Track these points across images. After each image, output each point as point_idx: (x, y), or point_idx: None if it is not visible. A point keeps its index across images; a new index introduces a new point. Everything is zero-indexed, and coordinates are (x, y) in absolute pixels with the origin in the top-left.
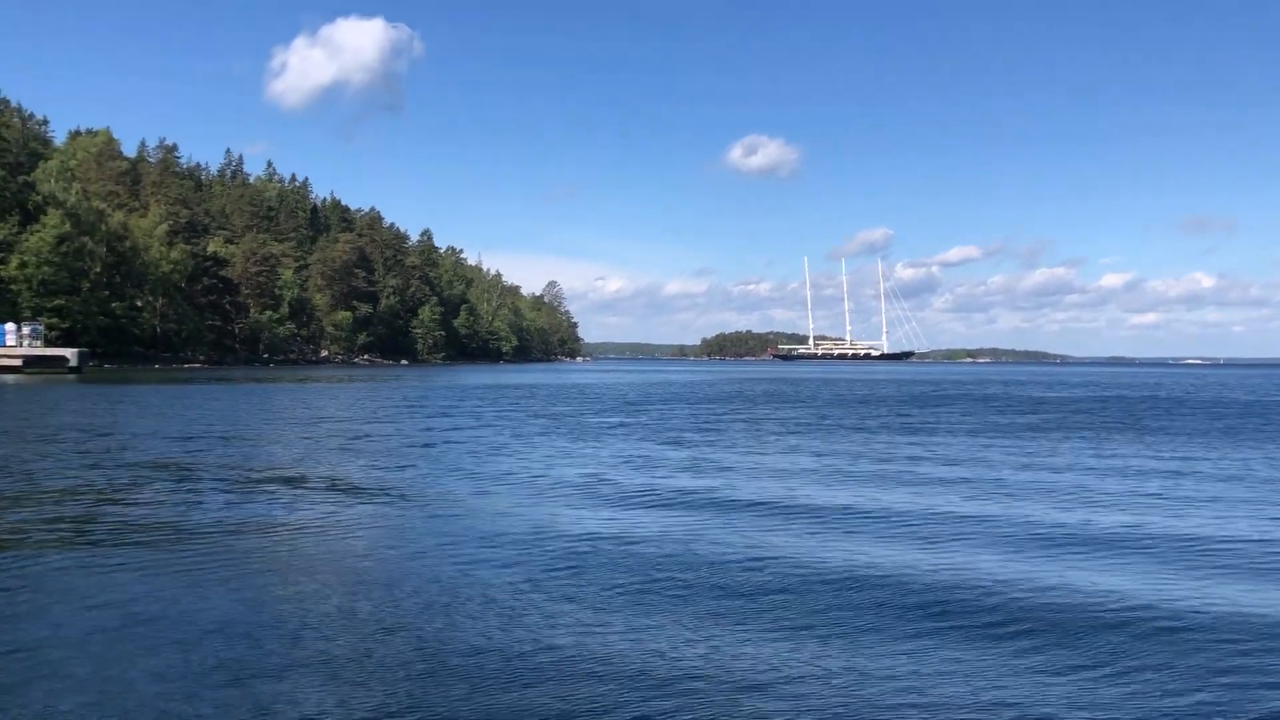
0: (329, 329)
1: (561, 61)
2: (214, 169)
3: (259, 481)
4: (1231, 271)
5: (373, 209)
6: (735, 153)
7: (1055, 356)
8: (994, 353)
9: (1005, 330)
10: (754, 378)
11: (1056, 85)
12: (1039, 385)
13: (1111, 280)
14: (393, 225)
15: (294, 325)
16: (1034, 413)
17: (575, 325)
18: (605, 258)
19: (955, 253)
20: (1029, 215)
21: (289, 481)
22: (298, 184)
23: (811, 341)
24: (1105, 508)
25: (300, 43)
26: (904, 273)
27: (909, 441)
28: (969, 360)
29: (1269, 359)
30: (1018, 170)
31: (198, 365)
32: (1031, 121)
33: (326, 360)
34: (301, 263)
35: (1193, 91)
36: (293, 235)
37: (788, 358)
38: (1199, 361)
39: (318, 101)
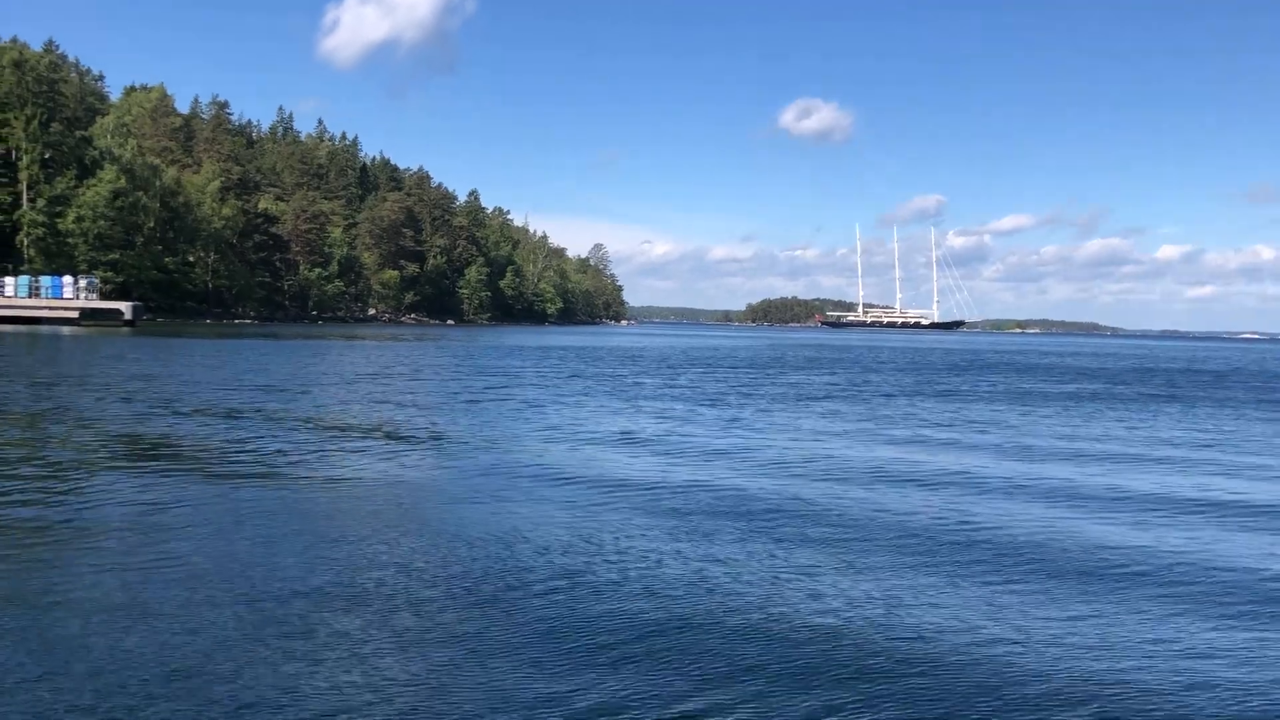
0: (376, 288)
1: (612, 22)
2: (265, 126)
3: (318, 429)
4: None
5: (421, 168)
6: (788, 116)
7: (1107, 328)
8: (1044, 324)
9: (1056, 301)
10: (802, 344)
11: (1117, 49)
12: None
13: (1169, 251)
14: (440, 185)
15: (342, 283)
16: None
17: (620, 288)
18: (652, 221)
19: (1008, 221)
20: (1086, 184)
21: (344, 430)
22: (347, 142)
23: (861, 309)
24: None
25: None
26: (955, 241)
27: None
28: (1018, 330)
29: None
30: (1075, 138)
31: (248, 321)
32: (1091, 87)
33: (374, 319)
34: (350, 221)
35: (1260, 56)
36: (342, 194)
37: (836, 325)
38: (1256, 335)
39: (369, 59)
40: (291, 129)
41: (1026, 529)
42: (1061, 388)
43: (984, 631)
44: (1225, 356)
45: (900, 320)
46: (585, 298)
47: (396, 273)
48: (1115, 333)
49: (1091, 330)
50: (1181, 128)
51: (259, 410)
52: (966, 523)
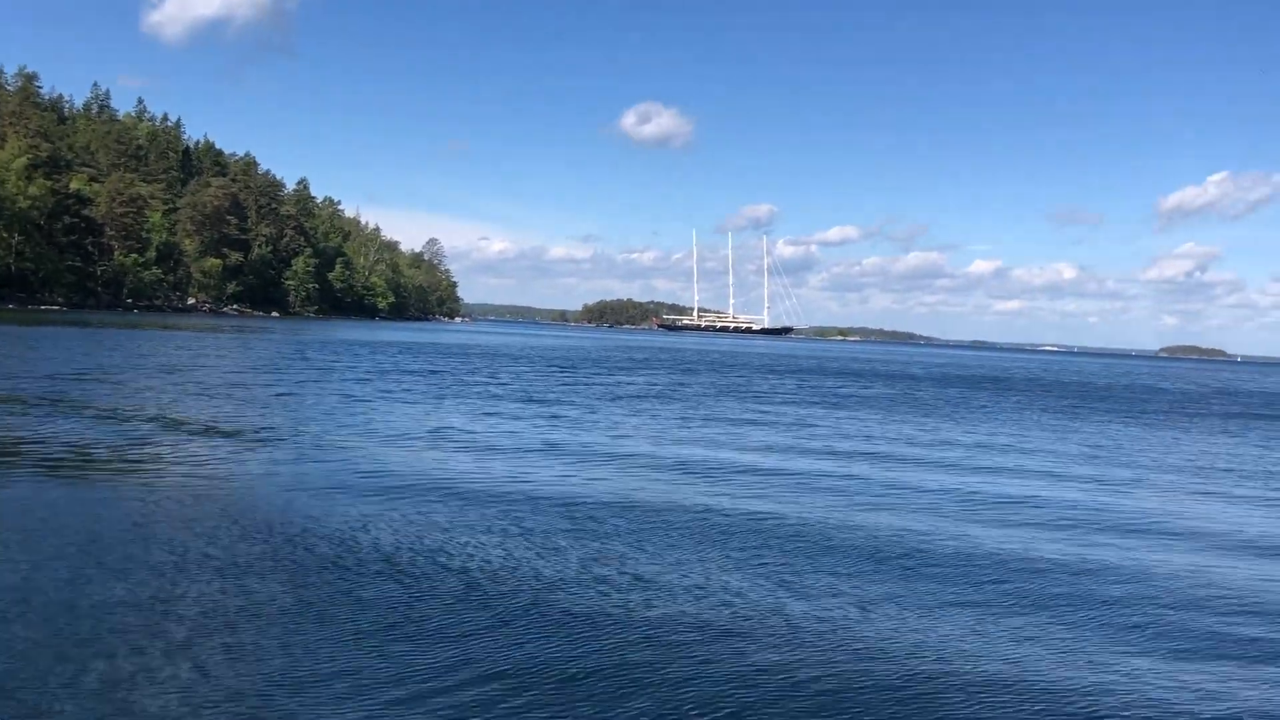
0: (197, 276)
1: (457, 15)
2: (79, 102)
3: (121, 423)
4: (1092, 264)
5: (248, 154)
6: (629, 119)
7: (922, 338)
8: (864, 332)
9: (876, 310)
10: (638, 345)
11: (941, 74)
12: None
13: (980, 266)
14: (268, 172)
15: (160, 270)
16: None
17: (455, 285)
18: (490, 218)
19: (835, 232)
20: (908, 200)
21: (151, 426)
22: (169, 124)
23: (696, 313)
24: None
25: None
26: (785, 249)
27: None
28: (840, 338)
29: (1117, 349)
30: (899, 156)
31: (55, 307)
32: (916, 107)
33: (194, 308)
34: (171, 206)
35: (1067, 88)
36: (162, 177)
37: (672, 328)
38: (1055, 348)
39: (199, 37)
40: (108, 107)
41: (779, 512)
42: (861, 392)
43: (723, 602)
44: (1021, 366)
45: (733, 325)
46: (418, 293)
47: (219, 261)
48: (929, 342)
49: (908, 339)
50: (994, 152)
51: (52, 401)
52: (743, 511)
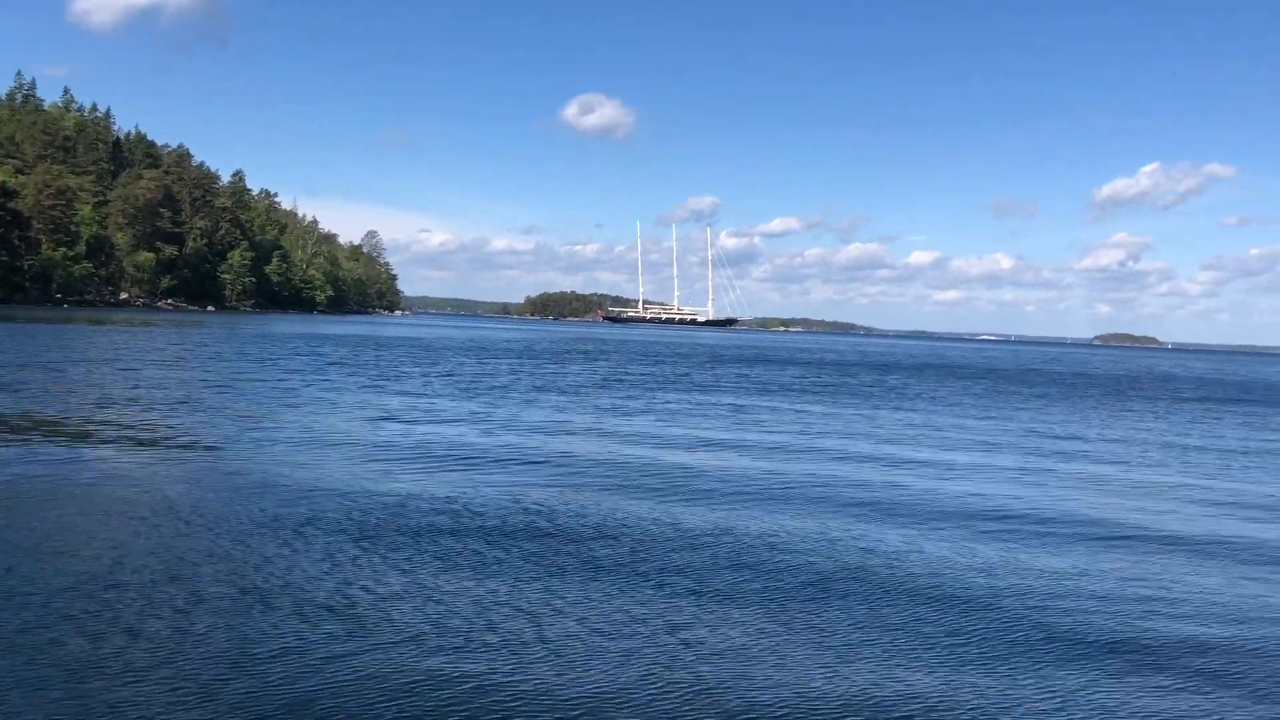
0: (130, 270)
1: (396, 4)
2: (2, 92)
3: (41, 428)
4: (1028, 254)
5: (181, 145)
6: (571, 110)
7: (862, 328)
8: (806, 323)
9: (818, 301)
10: (584, 338)
11: (881, 66)
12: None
13: (920, 257)
14: (203, 164)
15: (91, 265)
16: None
17: (395, 278)
18: (431, 209)
19: (778, 223)
20: (849, 191)
21: (70, 429)
22: (99, 115)
23: (641, 305)
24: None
25: None
26: (727, 241)
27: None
28: (782, 329)
29: (1053, 337)
30: (842, 147)
31: None
32: (857, 99)
33: (126, 303)
34: (101, 199)
35: (1010, 79)
36: (92, 169)
37: (617, 320)
38: (992, 337)
39: (129, 25)
40: (34, 96)
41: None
42: (779, 376)
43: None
44: (943, 354)
45: (678, 317)
46: (358, 286)
47: (152, 255)
48: (869, 332)
49: (849, 330)
50: (934, 143)
51: None
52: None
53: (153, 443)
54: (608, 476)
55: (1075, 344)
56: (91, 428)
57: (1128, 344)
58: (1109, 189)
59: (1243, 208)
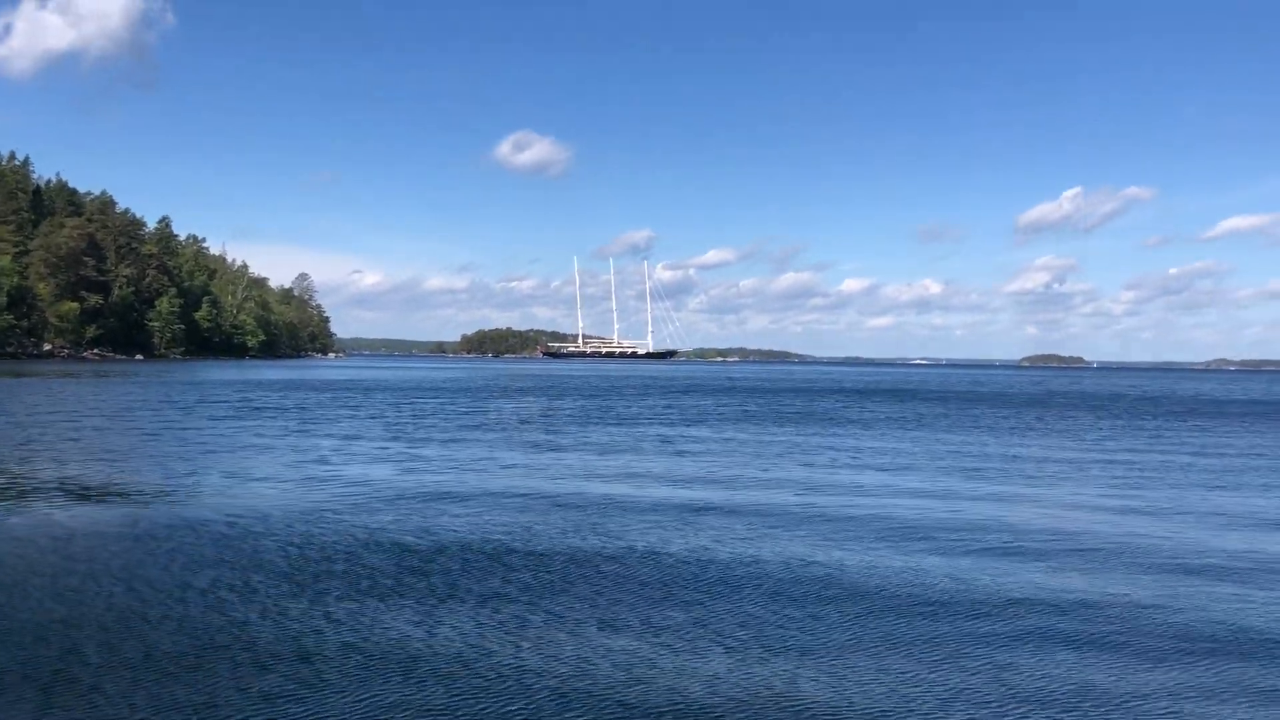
0: (53, 321)
1: (325, 44)
2: None
3: None
4: (957, 279)
5: (104, 192)
6: (504, 148)
7: (797, 356)
8: (742, 352)
9: (754, 331)
10: (524, 374)
11: (807, 96)
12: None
13: (852, 285)
14: (127, 211)
15: (12, 317)
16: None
17: (328, 320)
18: (363, 250)
19: (712, 255)
20: (781, 221)
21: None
22: (17, 163)
23: (580, 339)
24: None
25: (29, 4)
26: (664, 274)
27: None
28: (720, 360)
29: (982, 360)
30: (775, 179)
31: None
32: (789, 131)
33: (50, 354)
34: (21, 249)
35: (938, 108)
36: (11, 219)
37: (558, 355)
38: (924, 361)
39: (50, 71)
40: None
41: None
42: (724, 404)
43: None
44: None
45: (619, 350)
46: (289, 330)
47: (76, 305)
48: (803, 360)
49: (784, 359)
50: (863, 172)
51: None
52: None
53: (81, 496)
54: (534, 509)
55: (1004, 365)
56: (14, 483)
57: (1055, 364)
58: (1033, 213)
59: (1162, 228)
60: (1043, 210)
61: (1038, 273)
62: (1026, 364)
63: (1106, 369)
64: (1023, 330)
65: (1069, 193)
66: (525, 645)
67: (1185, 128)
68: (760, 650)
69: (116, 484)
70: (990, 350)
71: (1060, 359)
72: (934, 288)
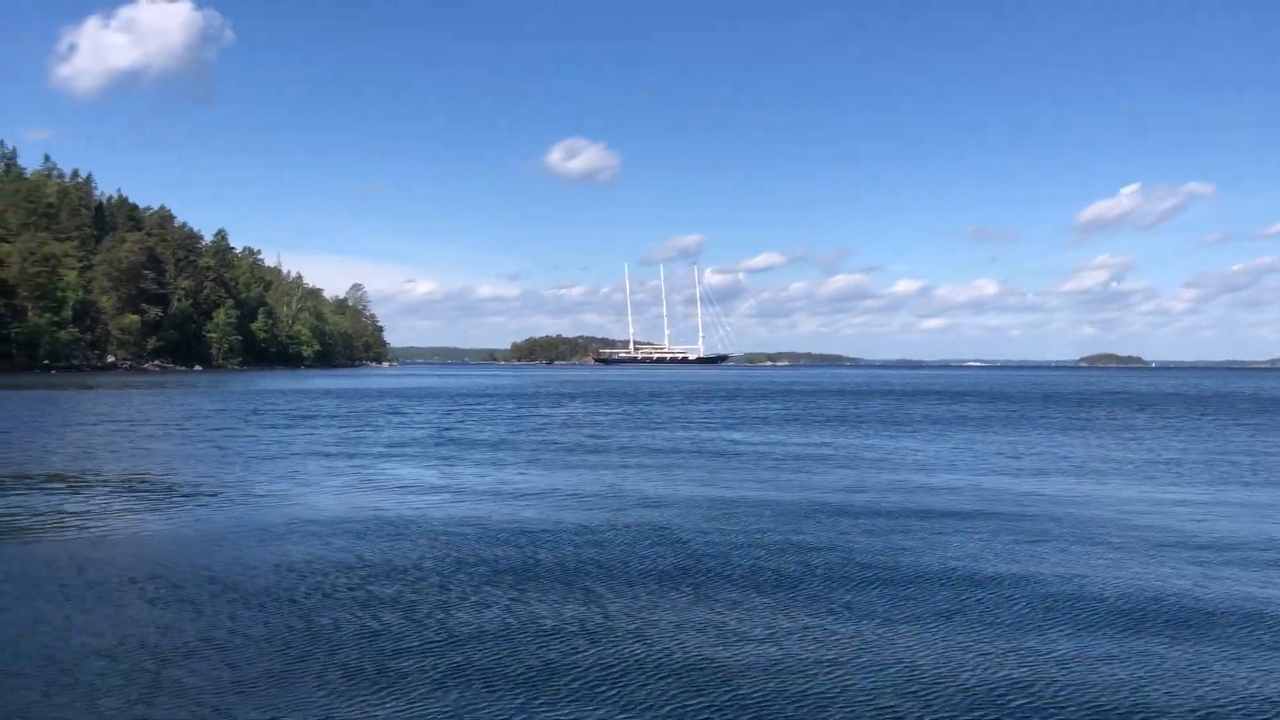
0: (116, 334)
1: (378, 57)
2: None
3: (62, 484)
4: (1012, 279)
5: (163, 207)
6: (555, 155)
7: (849, 359)
8: (793, 356)
9: (805, 334)
10: (585, 380)
11: (860, 99)
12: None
13: (904, 286)
14: (184, 224)
15: (77, 330)
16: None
17: (381, 329)
18: (415, 260)
19: (762, 259)
20: (832, 224)
21: (84, 485)
22: (80, 180)
23: (631, 345)
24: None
25: (93, 24)
26: (713, 278)
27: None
28: (769, 364)
29: (1039, 361)
30: (825, 181)
31: None
32: (839, 134)
33: (113, 366)
34: (85, 264)
35: (992, 107)
36: (75, 235)
37: (609, 361)
38: (978, 363)
39: (113, 89)
40: (15, 164)
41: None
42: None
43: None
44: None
45: (669, 356)
46: (344, 340)
47: (137, 317)
48: (855, 363)
49: (835, 362)
50: (915, 173)
51: None
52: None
53: (149, 498)
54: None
55: (1060, 366)
56: (85, 486)
57: (1113, 364)
58: (1091, 211)
59: (1223, 225)
60: (1100, 208)
61: (1095, 271)
62: (1084, 364)
63: (1164, 368)
64: (1079, 330)
65: (1127, 189)
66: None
67: (1246, 122)
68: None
69: (185, 491)
70: (1046, 351)
71: (1118, 359)
72: (988, 288)
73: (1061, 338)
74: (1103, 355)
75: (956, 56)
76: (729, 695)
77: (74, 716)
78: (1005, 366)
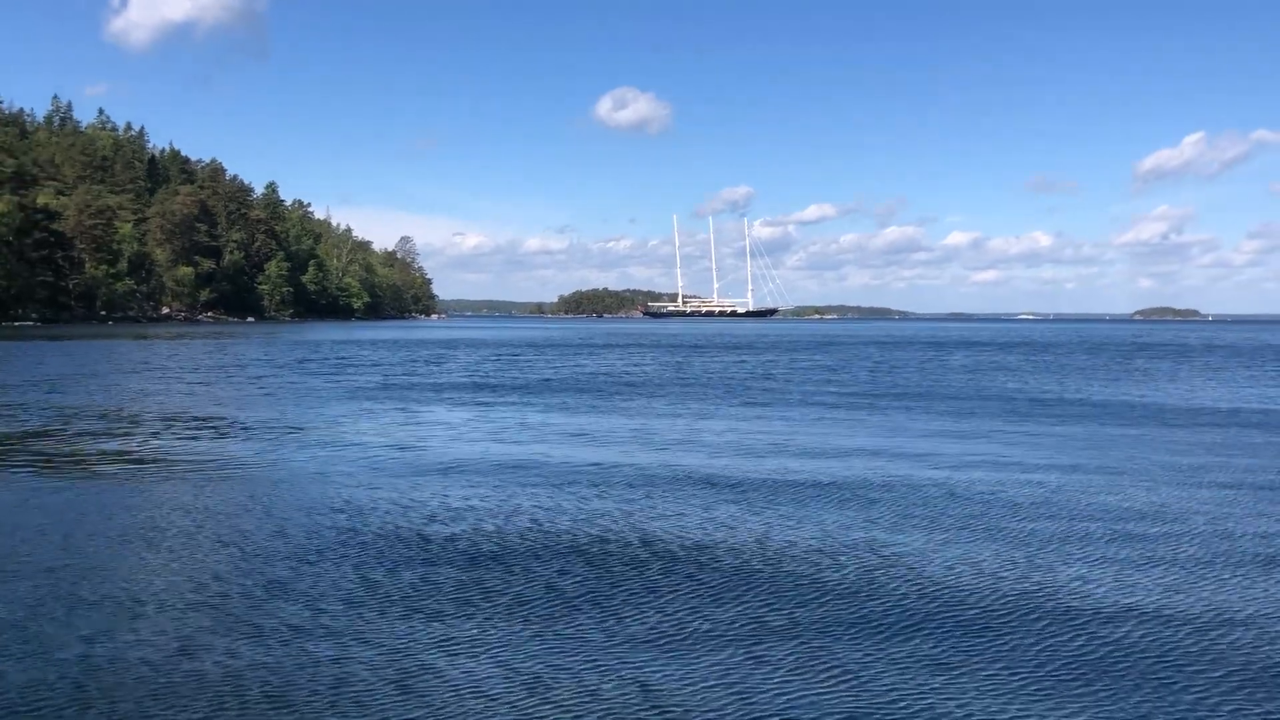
0: (170, 285)
1: (428, 9)
2: (40, 115)
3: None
4: (1068, 230)
5: (214, 160)
6: (604, 106)
7: (899, 313)
8: (841, 309)
9: (854, 288)
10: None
11: (914, 46)
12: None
13: (957, 238)
14: (236, 177)
15: (133, 281)
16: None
17: (430, 282)
18: (464, 213)
19: (812, 211)
20: (884, 175)
21: (129, 431)
22: (133, 133)
23: (680, 299)
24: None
25: None
26: (762, 231)
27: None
28: (817, 317)
29: (1092, 314)
30: (877, 130)
31: (29, 323)
32: (891, 82)
33: (168, 317)
34: (140, 216)
35: (1037, 59)
36: (130, 187)
37: (658, 315)
38: (1031, 316)
39: (166, 41)
40: (70, 119)
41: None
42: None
43: None
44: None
45: (718, 309)
46: (393, 292)
47: (191, 269)
48: (905, 316)
49: (885, 315)
50: (970, 122)
51: (60, 412)
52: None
53: (207, 461)
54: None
55: (1115, 319)
56: (146, 433)
57: (1169, 318)
58: (1151, 161)
59: None
60: (1161, 157)
61: (1154, 223)
62: (1138, 317)
63: (1220, 322)
64: (1135, 283)
65: (1191, 138)
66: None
67: None
68: None
69: (245, 442)
70: (1101, 304)
71: (1175, 312)
72: (1043, 240)
73: (1117, 291)
74: (1159, 309)
75: (1013, 3)
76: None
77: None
78: (1058, 320)
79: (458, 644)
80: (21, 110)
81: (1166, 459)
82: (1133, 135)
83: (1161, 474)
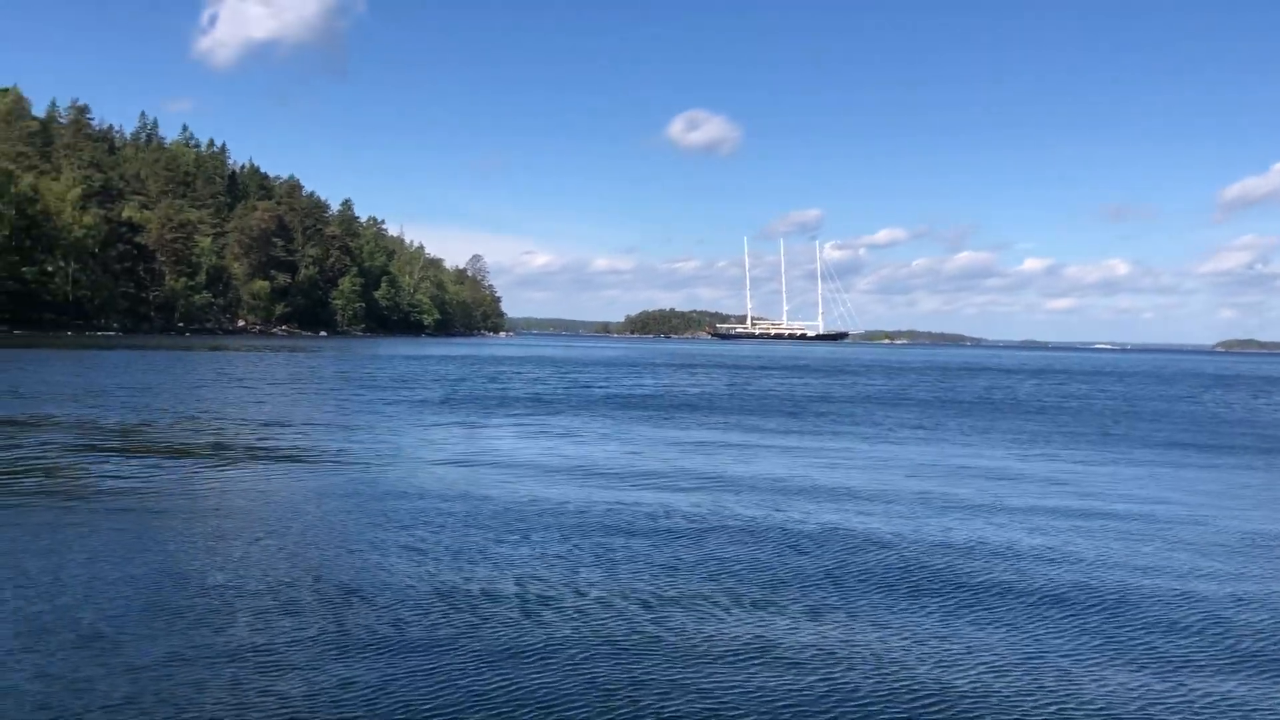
0: (246, 298)
1: (503, 30)
2: (128, 131)
3: (178, 450)
4: (1146, 259)
5: (291, 176)
6: (676, 127)
7: (970, 339)
8: (912, 334)
9: (925, 312)
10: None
11: (988, 71)
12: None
13: (1032, 265)
14: (312, 194)
15: (210, 294)
16: None
17: (499, 300)
18: (533, 232)
19: (883, 234)
20: (956, 200)
21: (207, 448)
22: (215, 149)
23: (749, 320)
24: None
25: None
26: (832, 253)
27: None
28: (888, 341)
29: (1172, 345)
30: (949, 154)
31: (111, 333)
32: (966, 106)
33: (244, 330)
34: (218, 230)
35: (1114, 87)
36: (210, 202)
37: (726, 336)
38: (1108, 346)
39: (250, 60)
40: (156, 134)
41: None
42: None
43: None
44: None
45: (787, 332)
46: (463, 309)
47: (267, 283)
48: (977, 343)
49: (957, 341)
50: (1044, 148)
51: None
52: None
53: (290, 458)
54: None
55: (1196, 351)
56: (228, 443)
57: (1254, 350)
58: (1237, 188)
59: None
60: (1248, 185)
61: (1238, 252)
62: (1220, 349)
63: None
64: (1217, 314)
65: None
66: None
67: None
68: None
69: (321, 449)
70: (1181, 335)
71: (1259, 344)
72: (1121, 268)
73: (1197, 321)
74: (1242, 341)
75: (1095, 25)
76: None
77: None
78: (1136, 350)
79: None
80: (111, 126)
81: None
82: (1217, 161)
83: None
